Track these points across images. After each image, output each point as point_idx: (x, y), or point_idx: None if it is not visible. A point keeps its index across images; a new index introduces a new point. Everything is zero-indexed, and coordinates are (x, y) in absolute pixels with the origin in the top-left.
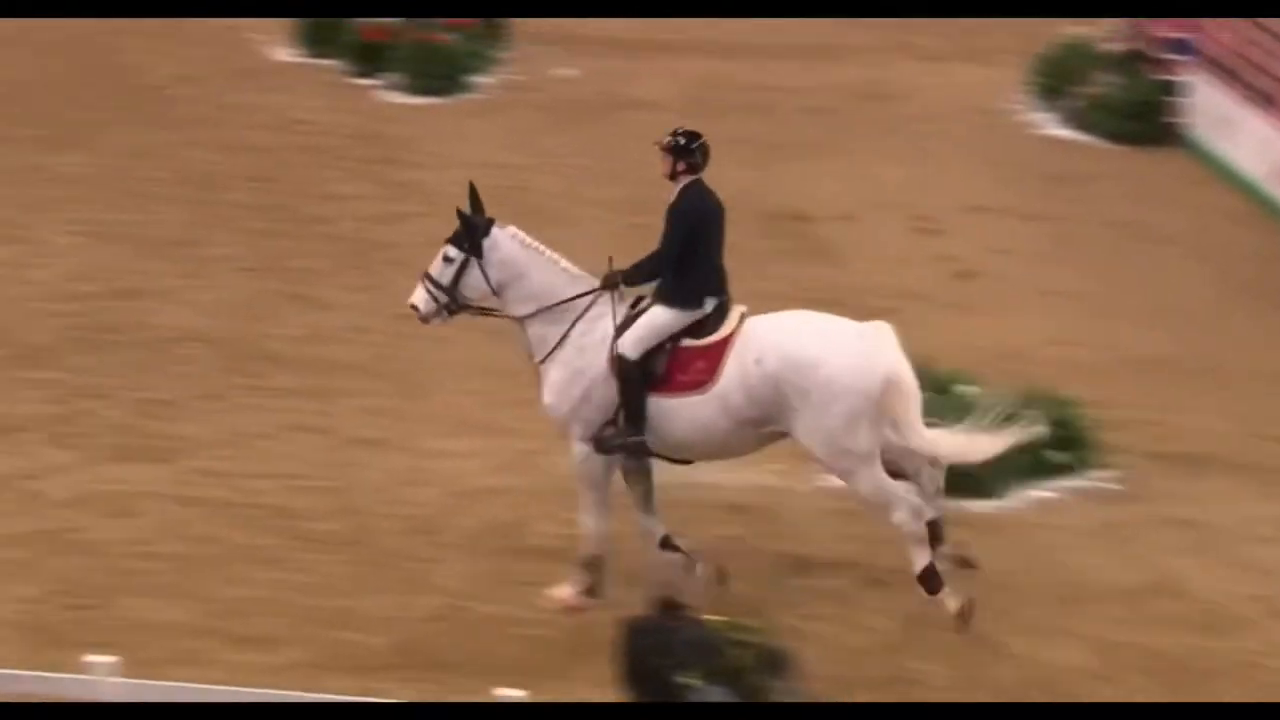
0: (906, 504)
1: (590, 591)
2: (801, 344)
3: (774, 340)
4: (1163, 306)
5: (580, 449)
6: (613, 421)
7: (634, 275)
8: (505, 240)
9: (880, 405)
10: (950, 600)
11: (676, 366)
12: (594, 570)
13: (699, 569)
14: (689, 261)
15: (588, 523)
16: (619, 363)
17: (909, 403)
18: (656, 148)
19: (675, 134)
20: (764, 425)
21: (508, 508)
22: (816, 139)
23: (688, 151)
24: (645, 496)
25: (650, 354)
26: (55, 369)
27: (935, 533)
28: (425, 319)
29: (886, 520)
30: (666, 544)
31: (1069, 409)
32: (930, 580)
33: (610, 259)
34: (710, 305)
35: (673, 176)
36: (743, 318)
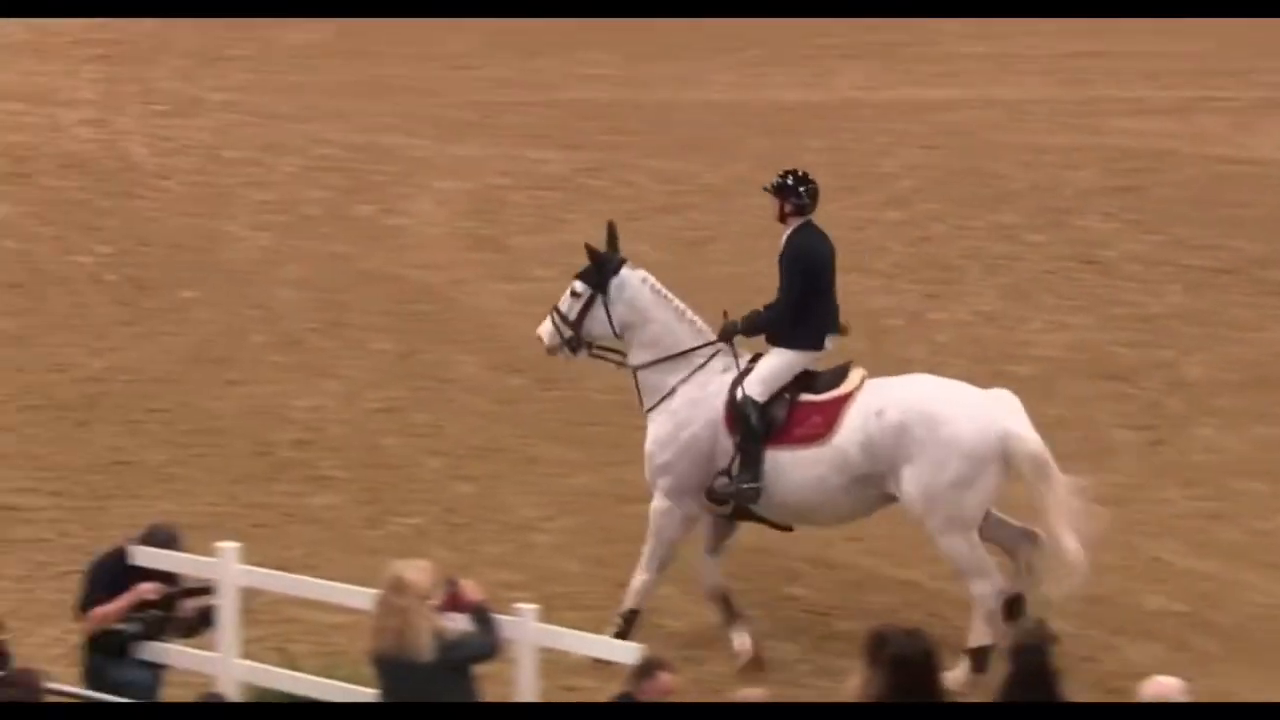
0: (993, 580)
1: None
2: (928, 400)
3: (899, 395)
4: None
5: (662, 503)
6: (725, 471)
7: (751, 325)
8: (634, 282)
9: (997, 472)
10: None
11: (794, 420)
12: (629, 623)
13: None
14: (807, 304)
15: (640, 577)
16: (743, 405)
17: (1037, 469)
18: (765, 191)
19: (783, 175)
20: (874, 484)
21: None
22: None
23: (794, 193)
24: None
25: (771, 402)
26: None
27: (1013, 608)
28: (550, 351)
29: (967, 587)
30: (717, 596)
31: None
32: (982, 660)
33: (725, 312)
34: (830, 344)
35: (782, 219)
36: (864, 379)
